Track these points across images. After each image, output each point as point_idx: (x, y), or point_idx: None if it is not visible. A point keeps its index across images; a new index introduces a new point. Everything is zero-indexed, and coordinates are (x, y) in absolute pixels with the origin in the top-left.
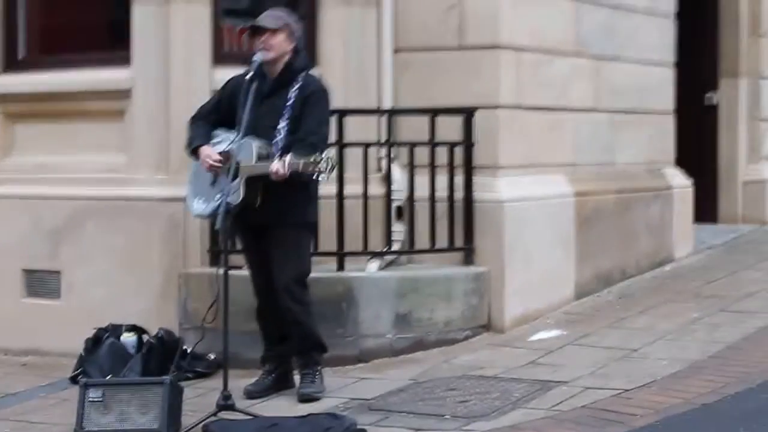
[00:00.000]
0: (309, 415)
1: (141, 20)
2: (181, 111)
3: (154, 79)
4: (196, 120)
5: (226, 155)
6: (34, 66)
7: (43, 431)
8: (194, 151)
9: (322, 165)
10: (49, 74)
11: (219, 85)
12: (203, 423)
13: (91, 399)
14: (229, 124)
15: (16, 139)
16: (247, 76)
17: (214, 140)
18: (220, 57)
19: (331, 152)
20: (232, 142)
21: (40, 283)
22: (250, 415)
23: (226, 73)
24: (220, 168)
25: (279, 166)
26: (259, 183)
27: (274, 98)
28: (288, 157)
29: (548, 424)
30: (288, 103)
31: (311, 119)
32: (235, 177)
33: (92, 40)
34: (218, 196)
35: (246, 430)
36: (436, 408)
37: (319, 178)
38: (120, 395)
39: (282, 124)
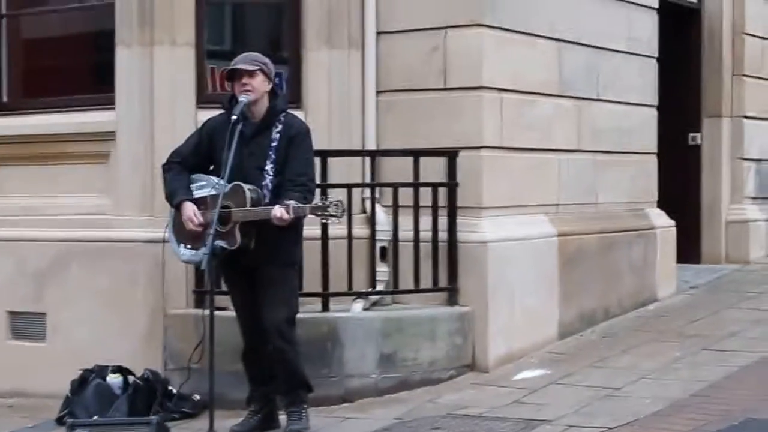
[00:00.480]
0: None
1: (125, 63)
2: (165, 153)
3: (138, 122)
4: (172, 165)
5: (210, 202)
6: (17, 109)
7: None
8: (176, 206)
9: (332, 209)
10: (32, 117)
11: None
12: None
13: None
14: (205, 166)
15: (1, 182)
16: (232, 118)
17: (197, 184)
18: (203, 99)
19: (340, 196)
20: (213, 187)
21: (25, 325)
22: None
23: (210, 115)
24: (200, 232)
25: (283, 211)
26: (253, 227)
27: (257, 140)
28: (292, 203)
29: None
30: (273, 144)
31: (298, 160)
32: (224, 222)
33: (75, 83)
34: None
35: None
36: None
37: (329, 222)
38: None
39: (269, 166)
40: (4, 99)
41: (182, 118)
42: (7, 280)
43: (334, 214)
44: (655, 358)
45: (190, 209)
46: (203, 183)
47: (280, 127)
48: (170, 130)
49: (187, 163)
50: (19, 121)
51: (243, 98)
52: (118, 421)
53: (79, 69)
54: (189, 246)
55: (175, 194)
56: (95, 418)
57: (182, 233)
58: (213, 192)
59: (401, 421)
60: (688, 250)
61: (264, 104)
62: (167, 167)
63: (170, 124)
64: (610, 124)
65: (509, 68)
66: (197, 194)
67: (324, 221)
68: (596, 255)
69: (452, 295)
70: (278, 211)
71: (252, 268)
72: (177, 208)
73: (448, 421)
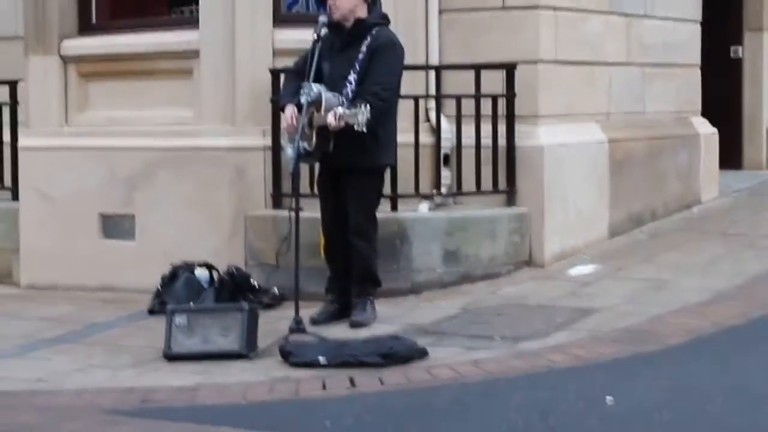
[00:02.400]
0: (373, 336)
1: None
2: (244, 69)
3: (220, 41)
4: (288, 75)
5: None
6: (106, 29)
7: (134, 352)
8: (281, 108)
9: (357, 118)
10: (121, 37)
11: (280, 45)
12: (278, 344)
13: (177, 324)
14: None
15: (90, 96)
16: (322, 34)
17: (304, 91)
18: (280, 18)
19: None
20: (307, 93)
21: (116, 225)
22: (319, 337)
23: (285, 34)
24: (294, 128)
25: (331, 118)
26: (330, 132)
27: (347, 51)
28: (339, 109)
29: (590, 342)
30: (359, 56)
31: (377, 70)
32: (310, 125)
33: (162, 4)
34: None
35: (316, 349)
36: (485, 331)
37: (357, 129)
38: (203, 320)
39: (352, 76)
40: (94, 20)
41: (261, 36)
42: (99, 185)
43: (355, 122)
44: (700, 254)
45: (288, 110)
46: (307, 90)
47: (369, 40)
48: (250, 47)
49: (298, 71)
50: (107, 40)
51: (322, 17)
52: (213, 307)
53: None
54: (290, 145)
55: (282, 99)
56: (191, 304)
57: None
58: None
59: (465, 309)
60: (730, 156)
61: (356, 19)
62: (286, 76)
63: (250, 43)
64: (657, 38)
65: None
66: (304, 99)
67: (354, 128)
68: (644, 160)
69: (510, 197)
70: (329, 117)
71: (337, 171)
72: (282, 110)
73: (508, 309)
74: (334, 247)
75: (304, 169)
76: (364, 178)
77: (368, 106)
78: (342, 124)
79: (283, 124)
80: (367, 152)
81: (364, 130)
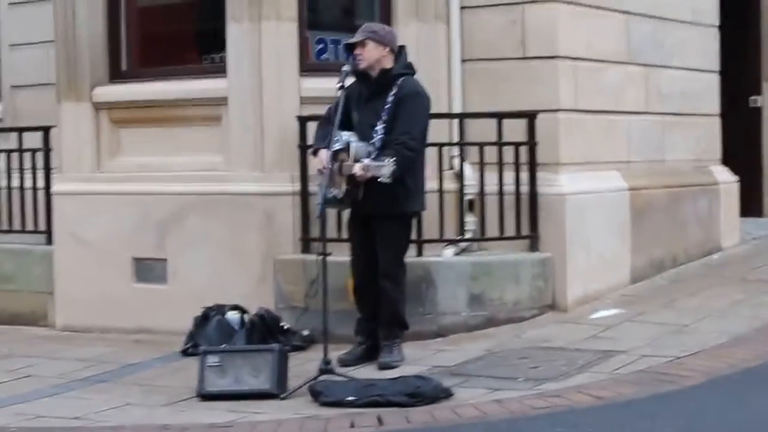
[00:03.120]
0: (400, 377)
1: (235, 36)
2: (272, 116)
3: (248, 89)
4: (321, 121)
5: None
6: (136, 77)
7: (168, 392)
8: (315, 152)
9: (382, 170)
10: (150, 85)
11: (306, 93)
12: (308, 384)
13: (210, 364)
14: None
15: (121, 142)
16: (346, 83)
17: (335, 139)
18: (306, 67)
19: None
20: (337, 141)
21: (149, 269)
22: (348, 377)
23: (311, 82)
24: (326, 170)
25: (358, 168)
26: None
27: (374, 101)
28: (366, 161)
29: (610, 384)
30: (386, 106)
31: (403, 120)
32: (340, 173)
33: (189, 51)
34: (332, 189)
35: (346, 389)
36: (510, 372)
37: (382, 180)
38: (235, 361)
39: (379, 126)
40: (124, 68)
41: (287, 84)
42: (131, 229)
43: (382, 174)
44: (720, 299)
45: (322, 152)
46: (337, 138)
47: (395, 89)
48: (277, 95)
49: (329, 119)
50: (138, 88)
51: (345, 67)
52: (245, 348)
53: (192, 39)
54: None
55: (314, 143)
56: (224, 346)
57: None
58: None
59: (490, 352)
60: (751, 204)
61: (383, 68)
62: (319, 123)
63: (277, 91)
64: (675, 88)
65: (582, 39)
66: (334, 147)
67: (380, 180)
68: (664, 207)
69: (533, 242)
70: (356, 168)
71: (367, 217)
72: (314, 154)
73: (532, 352)
74: (363, 290)
75: (332, 214)
76: (393, 225)
77: (394, 158)
78: (368, 175)
79: (317, 167)
80: (396, 200)
81: (389, 181)
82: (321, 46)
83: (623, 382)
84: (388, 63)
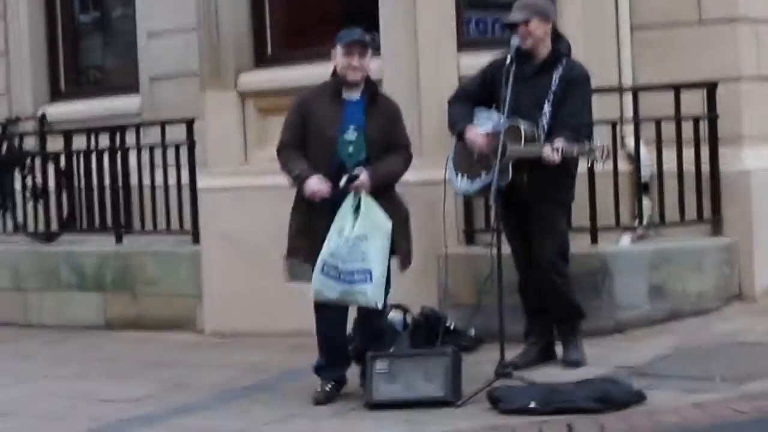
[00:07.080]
0: (585, 380)
1: (388, 12)
2: (430, 98)
3: (403, 68)
4: (457, 100)
5: (490, 135)
6: (281, 61)
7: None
8: (459, 133)
9: (598, 153)
10: (296, 69)
11: (464, 71)
12: (486, 389)
13: (378, 371)
14: (487, 104)
15: (269, 131)
16: (507, 60)
17: (480, 118)
18: (463, 44)
19: (606, 140)
20: (497, 122)
21: (302, 268)
22: (528, 381)
23: (470, 59)
24: (488, 152)
25: (551, 152)
26: (525, 164)
27: (537, 81)
28: (562, 144)
29: None
30: (552, 86)
31: (575, 103)
32: (502, 157)
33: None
34: (483, 174)
35: (527, 394)
36: (704, 371)
37: (596, 165)
38: (404, 366)
39: (547, 107)
40: (269, 52)
41: (445, 62)
42: (282, 225)
43: (598, 158)
44: None
45: (473, 131)
46: (485, 117)
47: (560, 70)
48: (434, 75)
49: (470, 97)
50: (285, 73)
51: (514, 41)
52: (415, 352)
53: (341, 17)
54: (465, 175)
55: (458, 122)
56: (391, 350)
57: (461, 162)
58: (491, 128)
59: (678, 348)
60: None
61: (546, 46)
62: (452, 101)
63: (434, 70)
64: None
65: None
66: (481, 129)
67: (591, 164)
68: None
69: (716, 227)
70: (547, 151)
71: (525, 205)
72: (459, 135)
73: (725, 348)
74: (528, 285)
75: (479, 203)
76: (557, 211)
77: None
78: (558, 159)
79: (475, 149)
80: (559, 186)
81: (603, 166)
82: (475, 19)
83: None
84: (549, 42)
